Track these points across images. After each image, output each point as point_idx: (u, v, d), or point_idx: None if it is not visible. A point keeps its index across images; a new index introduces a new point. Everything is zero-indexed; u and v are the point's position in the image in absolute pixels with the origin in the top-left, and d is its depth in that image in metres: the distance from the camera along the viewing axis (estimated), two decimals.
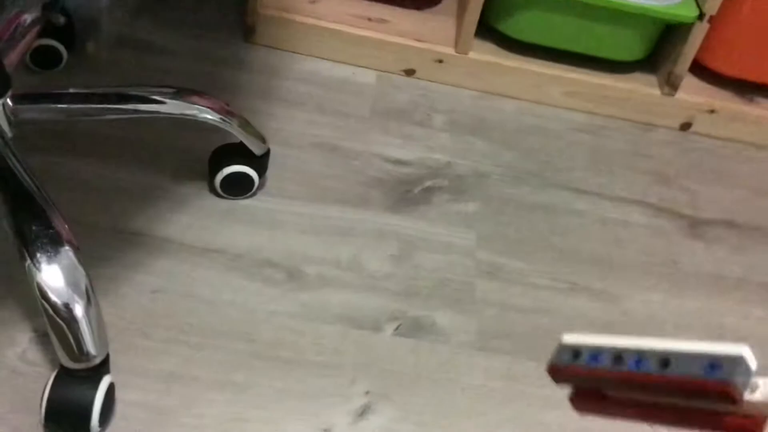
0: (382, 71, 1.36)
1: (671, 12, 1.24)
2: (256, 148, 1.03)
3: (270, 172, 1.10)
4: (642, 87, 1.35)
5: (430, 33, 1.35)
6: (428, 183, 1.17)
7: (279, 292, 0.96)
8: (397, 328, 0.96)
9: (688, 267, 1.13)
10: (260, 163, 1.05)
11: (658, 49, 1.36)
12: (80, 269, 0.75)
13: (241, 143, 1.01)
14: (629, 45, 1.32)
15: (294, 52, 1.34)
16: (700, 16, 1.24)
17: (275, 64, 1.32)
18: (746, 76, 1.34)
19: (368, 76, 1.34)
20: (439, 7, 1.42)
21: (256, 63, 1.31)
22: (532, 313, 1.02)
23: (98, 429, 0.76)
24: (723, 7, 1.24)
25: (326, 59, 1.35)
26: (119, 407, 0.80)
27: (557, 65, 1.35)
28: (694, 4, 1.26)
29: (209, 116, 0.97)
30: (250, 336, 0.91)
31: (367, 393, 0.88)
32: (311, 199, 1.09)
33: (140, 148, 1.09)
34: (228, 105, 1.01)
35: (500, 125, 1.31)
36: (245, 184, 1.04)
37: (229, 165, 1.02)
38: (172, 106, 0.95)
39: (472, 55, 1.34)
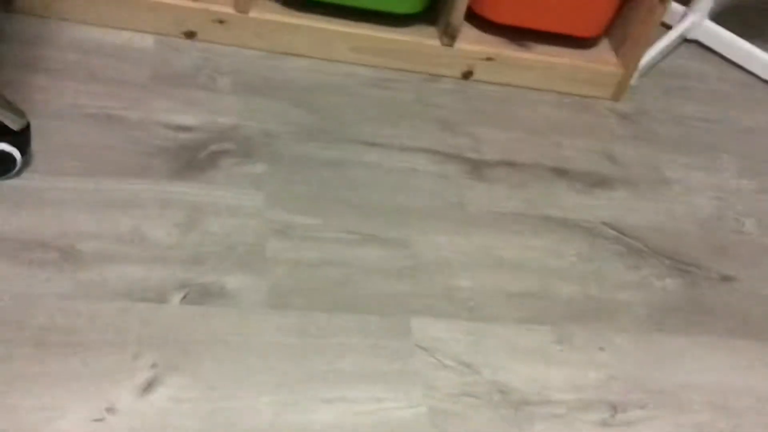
0: (160, 35, 1.30)
1: None
2: (14, 124, 0.95)
3: (38, 148, 1.03)
4: (424, 39, 1.39)
5: None
6: (214, 147, 1.15)
7: (51, 273, 0.91)
8: (184, 297, 0.93)
9: (472, 207, 1.19)
10: (21, 139, 0.97)
11: (436, 1, 1.40)
12: None
13: None
14: None
15: (62, 19, 1.25)
16: None
17: (40, 34, 1.22)
18: (518, 23, 1.42)
19: (146, 41, 1.28)
20: None
21: (16, 33, 1.21)
22: (324, 266, 1.03)
23: None
24: None
25: (98, 25, 1.27)
26: None
27: (342, 21, 1.36)
28: None
29: None
30: (20, 323, 0.85)
31: (153, 366, 0.85)
32: (86, 173, 1.04)
33: None
34: None
35: (287, 84, 1.30)
36: (6, 163, 0.96)
37: None
38: None
39: (253, 14, 1.31)
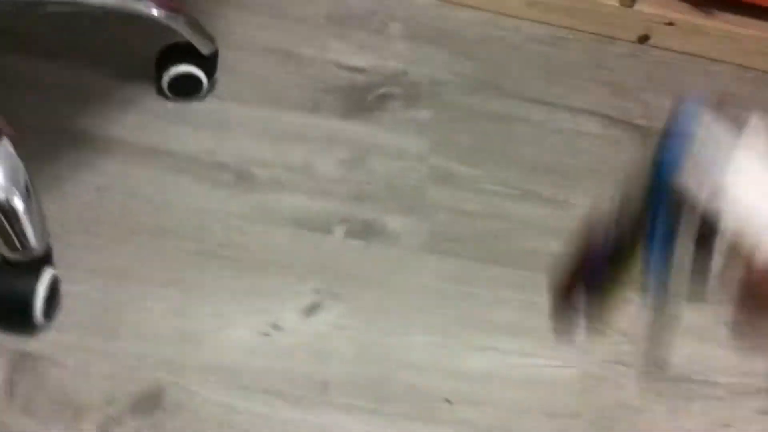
0: None
1: None
2: (205, 48, 1.00)
3: (220, 76, 1.07)
4: None
5: None
6: (382, 90, 1.16)
7: (229, 193, 0.95)
8: (347, 231, 0.96)
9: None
10: (209, 63, 1.02)
11: None
12: (18, 162, 0.73)
13: (189, 42, 0.99)
14: None
15: None
16: None
17: None
18: None
19: None
20: None
21: None
22: (483, 217, 1.02)
23: (43, 321, 0.75)
24: None
25: None
26: (66, 301, 0.79)
27: None
28: None
29: (155, 11, 0.94)
30: (198, 236, 0.90)
31: (316, 291, 0.88)
32: (262, 104, 1.08)
33: (85, 46, 1.05)
34: (174, 2, 0.98)
35: (458, 35, 1.29)
36: (193, 86, 1.01)
37: (177, 65, 0.99)
38: (117, 0, 0.92)
39: None
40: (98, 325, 0.79)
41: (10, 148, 0.74)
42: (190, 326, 0.82)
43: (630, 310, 0.94)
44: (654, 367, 0.89)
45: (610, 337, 0.92)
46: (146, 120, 1.00)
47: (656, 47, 1.37)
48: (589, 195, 1.08)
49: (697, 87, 1.31)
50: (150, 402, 0.76)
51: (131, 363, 0.78)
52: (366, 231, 0.96)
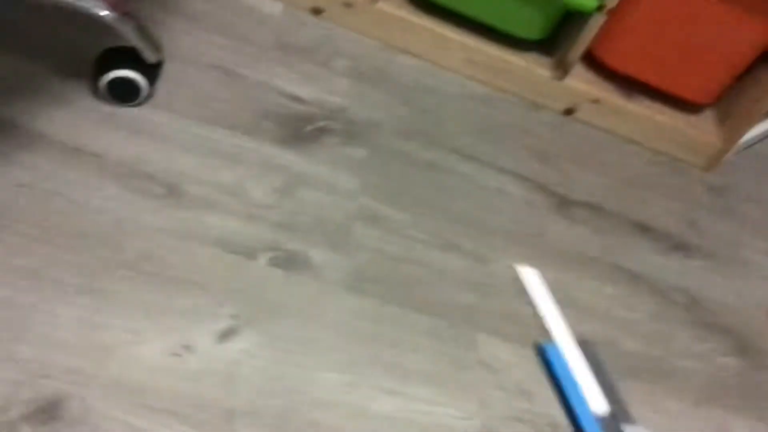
0: (289, 5, 1.33)
1: None
2: (150, 56, 0.99)
3: (161, 85, 1.06)
4: (536, 67, 1.40)
5: None
6: (321, 123, 1.17)
7: (156, 205, 0.93)
8: (271, 258, 0.96)
9: (552, 241, 1.20)
10: (151, 72, 1.01)
11: (557, 33, 1.42)
12: None
13: (134, 48, 0.97)
14: (531, 24, 1.37)
15: None
16: (600, 7, 1.30)
17: None
18: (631, 73, 1.43)
19: (275, 7, 1.31)
20: None
21: None
22: (404, 262, 1.05)
23: None
24: (621, 2, 1.30)
25: None
26: None
27: (462, 31, 1.38)
28: None
29: (104, 12, 0.92)
30: (118, 245, 0.88)
31: (233, 316, 0.88)
32: (201, 119, 1.07)
33: (26, 37, 1.02)
34: (126, 6, 0.96)
35: (399, 80, 1.33)
36: (132, 91, 1.00)
37: (117, 68, 0.97)
38: None
39: (380, 5, 1.34)
40: (3, 326, 0.76)
41: None
42: (99, 338, 0.80)
43: (529, 367, 0.98)
44: (547, 427, 0.93)
45: (511, 393, 0.95)
46: (78, 120, 0.97)
47: (580, 121, 1.44)
48: (505, 253, 1.13)
49: (612, 165, 1.40)
50: (48, 412, 0.73)
51: (33, 369, 0.75)
52: (289, 261, 0.97)
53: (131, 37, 0.96)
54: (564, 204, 1.27)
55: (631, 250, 1.24)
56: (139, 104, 1.03)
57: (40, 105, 0.95)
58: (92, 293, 0.82)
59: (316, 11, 1.34)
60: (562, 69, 1.39)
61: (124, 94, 1.00)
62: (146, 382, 0.79)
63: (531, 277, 0.42)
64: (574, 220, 1.25)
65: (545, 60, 1.43)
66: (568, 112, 1.44)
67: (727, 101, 1.49)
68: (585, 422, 0.37)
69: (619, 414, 0.37)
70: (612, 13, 1.32)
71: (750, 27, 1.33)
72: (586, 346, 0.47)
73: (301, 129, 1.14)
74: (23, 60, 0.99)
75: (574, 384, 0.38)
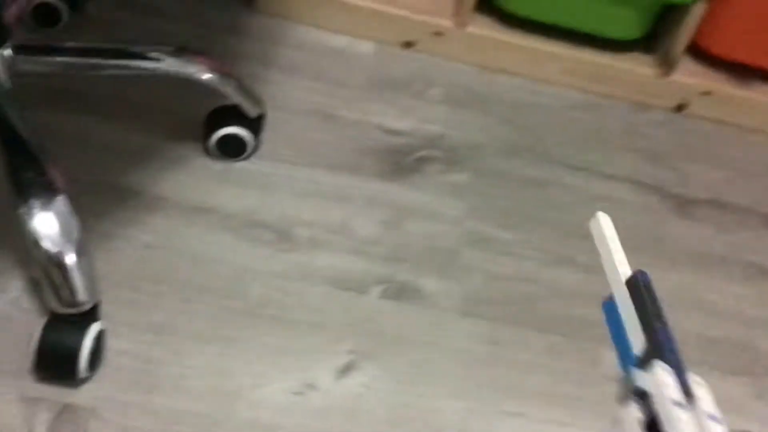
0: (380, 42, 1.37)
1: None
2: (252, 111, 1.04)
3: (265, 136, 1.11)
4: (638, 67, 1.36)
5: (429, 6, 1.36)
6: (421, 153, 1.19)
7: (269, 252, 0.98)
8: (383, 291, 0.98)
9: (673, 244, 1.14)
10: (255, 125, 1.06)
11: (656, 29, 1.37)
12: (73, 218, 0.77)
13: (237, 105, 1.03)
14: (627, 23, 1.33)
15: (294, 21, 1.35)
16: None
17: (275, 32, 1.33)
18: (742, 59, 1.35)
19: (366, 47, 1.35)
20: None
21: (256, 30, 1.32)
22: (517, 281, 1.04)
23: (86, 374, 0.78)
24: None
25: (325, 29, 1.36)
26: (109, 355, 0.82)
27: (555, 42, 1.36)
28: None
29: (206, 76, 0.99)
30: (239, 293, 0.93)
31: (351, 352, 0.90)
32: (305, 164, 1.11)
33: (137, 108, 1.11)
34: (225, 66, 1.03)
35: (496, 100, 1.32)
36: (239, 146, 1.05)
37: (224, 126, 1.03)
38: (171, 64, 0.97)
39: (470, 29, 1.34)
40: (138, 380, 0.82)
41: (65, 204, 0.77)
42: (226, 383, 0.84)
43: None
44: None
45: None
46: (193, 179, 1.04)
47: (693, 116, 1.38)
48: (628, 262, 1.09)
49: (733, 158, 1.32)
50: None
51: (168, 418, 0.80)
52: (401, 292, 0.98)
53: (233, 96, 1.02)
54: (683, 204, 1.21)
55: (761, 244, 1.17)
56: (247, 157, 1.08)
57: (156, 170, 1.03)
58: (218, 341, 0.87)
59: (408, 45, 1.37)
60: (667, 65, 1.34)
61: (233, 149, 1.06)
62: (273, 421, 0.82)
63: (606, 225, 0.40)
64: (696, 219, 1.19)
65: (648, 58, 1.38)
66: (680, 108, 1.38)
67: None
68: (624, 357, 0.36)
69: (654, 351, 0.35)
70: (712, 1, 1.26)
71: None
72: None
73: (401, 161, 1.16)
74: (137, 129, 1.07)
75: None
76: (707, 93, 1.36)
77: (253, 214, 1.02)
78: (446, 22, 1.34)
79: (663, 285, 1.09)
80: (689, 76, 1.36)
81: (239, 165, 1.08)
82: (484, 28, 1.35)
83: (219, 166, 1.06)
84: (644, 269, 1.11)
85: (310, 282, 0.96)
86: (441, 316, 0.97)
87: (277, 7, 1.34)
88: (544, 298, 1.02)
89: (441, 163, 1.18)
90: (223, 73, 1.01)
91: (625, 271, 0.38)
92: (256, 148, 1.09)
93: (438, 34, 1.35)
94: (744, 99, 1.36)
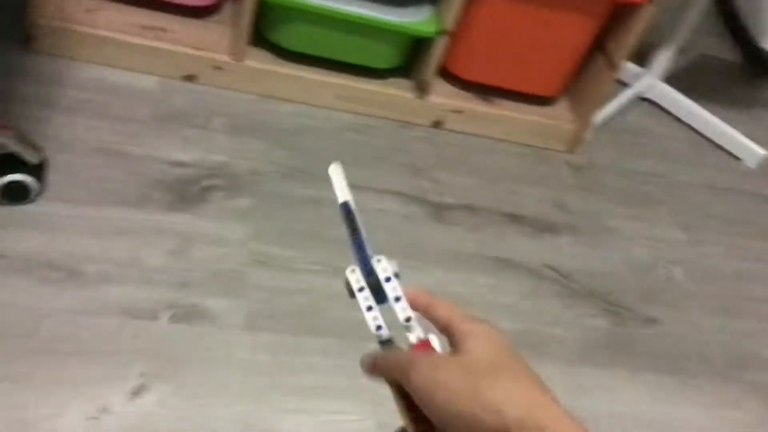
0: (163, 77, 1.45)
1: (416, 28, 1.44)
2: (32, 158, 1.10)
3: (51, 178, 1.17)
4: (399, 91, 1.55)
5: (208, 41, 1.47)
6: (206, 182, 1.30)
7: (58, 290, 1.05)
8: (172, 316, 1.08)
9: (431, 246, 1.34)
10: (37, 171, 1.12)
11: (411, 57, 1.57)
12: None
13: (16, 153, 1.09)
14: (385, 55, 1.51)
15: (75, 60, 1.41)
16: (441, 32, 1.45)
17: (56, 72, 1.37)
18: (484, 80, 1.58)
19: (150, 82, 1.44)
20: (216, 16, 1.54)
21: (36, 71, 1.36)
22: (296, 294, 1.18)
23: None
24: (460, 23, 1.46)
25: (107, 66, 1.42)
26: None
27: (326, 71, 1.51)
28: (436, 22, 1.47)
29: None
30: (29, 332, 0.99)
31: (142, 375, 1.00)
32: (91, 202, 1.18)
33: None
34: (3, 119, 1.08)
35: (275, 126, 1.46)
36: (23, 192, 1.11)
37: (5, 175, 1.09)
38: None
39: (248, 62, 1.47)
40: None
41: None
42: (24, 417, 0.91)
43: None
44: None
45: None
46: None
47: (448, 131, 1.60)
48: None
49: (482, 165, 1.55)
50: None
51: None
52: (189, 315, 1.09)
53: (13, 146, 1.08)
54: (439, 210, 1.41)
55: (504, 240, 1.40)
56: (33, 200, 1.14)
57: None
58: (13, 379, 0.94)
59: (189, 78, 1.47)
60: (423, 89, 1.54)
61: (17, 195, 1.11)
62: None
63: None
64: (450, 222, 1.40)
65: (407, 83, 1.57)
66: (437, 125, 1.59)
67: (575, 89, 1.66)
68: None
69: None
70: (454, 33, 1.47)
71: (577, 26, 1.50)
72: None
73: (187, 191, 1.27)
74: None
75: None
76: (458, 111, 1.58)
77: (42, 255, 1.08)
78: (225, 57, 1.46)
79: (421, 282, 1.27)
80: (442, 97, 1.57)
81: (26, 208, 1.13)
82: (260, 61, 1.48)
83: (4, 211, 1.11)
84: (406, 270, 1.29)
85: (102, 314, 1.05)
86: (226, 334, 1.09)
87: (56, 47, 1.39)
88: (320, 307, 1.17)
89: (224, 190, 1.30)
90: (1, 126, 1.06)
91: (345, 197, 0.60)
92: (41, 191, 1.15)
93: (218, 68, 1.46)
94: (489, 114, 1.59)
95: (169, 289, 1.11)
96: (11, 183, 1.09)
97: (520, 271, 1.35)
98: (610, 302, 1.35)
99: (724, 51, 2.17)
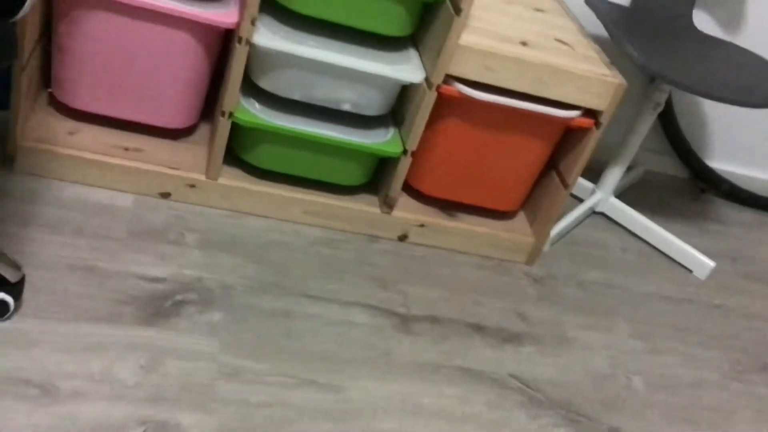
0: (139, 194, 1.51)
1: (380, 148, 1.54)
2: (11, 276, 1.14)
3: (26, 295, 1.20)
4: (366, 206, 1.62)
5: (183, 161, 1.54)
6: (179, 297, 1.33)
7: (32, 407, 1.06)
8: None
9: (398, 357, 1.38)
10: (15, 288, 1.15)
11: (377, 175, 1.65)
12: None
13: None
14: (352, 173, 1.60)
15: (54, 179, 1.46)
16: (404, 152, 1.55)
17: (35, 191, 1.42)
18: (446, 196, 1.67)
19: (126, 200, 1.49)
20: (192, 137, 1.62)
21: (15, 190, 1.41)
22: (266, 407, 1.20)
23: None
24: (421, 144, 1.56)
25: (86, 185, 1.48)
26: None
27: (296, 188, 1.59)
28: (399, 142, 1.56)
29: None
30: None
31: None
32: (66, 319, 1.21)
33: None
34: None
35: (247, 241, 1.51)
36: (1, 310, 1.13)
37: None
38: None
39: (221, 180, 1.54)
40: None
41: None
42: None
43: None
44: None
45: None
46: None
47: (413, 244, 1.67)
48: (356, 378, 1.30)
49: (446, 277, 1.61)
50: None
51: None
52: (161, 430, 1.10)
53: None
54: (405, 322, 1.46)
55: (467, 350, 1.44)
56: (9, 317, 1.16)
57: None
58: None
59: (164, 195, 1.53)
60: (388, 204, 1.62)
61: None
62: None
63: None
64: (416, 333, 1.44)
65: (373, 198, 1.65)
66: (402, 238, 1.66)
67: (532, 204, 1.75)
68: None
69: None
70: (416, 153, 1.56)
71: (532, 148, 1.61)
72: None
73: (160, 306, 1.30)
74: None
75: None
76: (422, 225, 1.65)
77: (16, 372, 1.10)
78: (199, 176, 1.52)
79: (389, 394, 1.30)
80: (407, 211, 1.65)
81: (1, 326, 1.15)
82: (233, 179, 1.55)
83: None
84: (374, 382, 1.32)
85: None
86: None
87: (36, 166, 1.45)
88: (290, 420, 1.19)
89: (197, 304, 1.33)
90: None
91: None
92: (17, 308, 1.17)
93: (192, 185, 1.52)
94: (451, 228, 1.67)
95: (141, 405, 1.13)
96: None
97: (486, 381, 1.38)
98: (572, 411, 1.38)
99: (670, 167, 2.32)
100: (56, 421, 1.06)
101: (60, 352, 1.15)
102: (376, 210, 1.63)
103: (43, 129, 1.48)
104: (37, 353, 1.14)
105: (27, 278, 1.23)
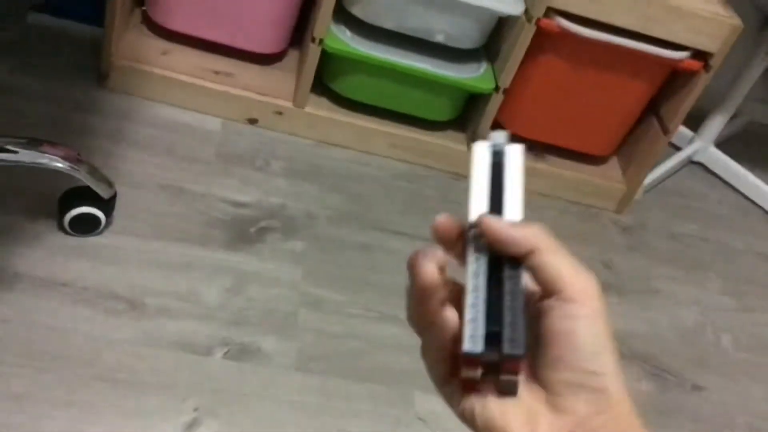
0: (227, 119, 1.51)
1: (472, 84, 1.48)
2: (104, 192, 1.15)
3: (118, 211, 1.22)
4: (452, 143, 1.58)
5: (272, 87, 1.52)
6: (263, 223, 1.34)
7: (121, 321, 1.09)
8: (226, 353, 1.11)
9: None
10: (107, 204, 1.17)
11: (465, 112, 1.60)
12: None
13: (89, 186, 1.14)
14: (441, 108, 1.55)
15: (145, 99, 1.47)
16: (496, 88, 1.49)
17: (127, 109, 1.44)
18: (536, 137, 1.61)
19: (214, 124, 1.49)
20: (281, 63, 1.60)
21: (108, 108, 1.43)
22: (345, 338, 1.20)
23: None
24: (515, 81, 1.49)
25: (176, 106, 1.48)
26: None
27: (382, 121, 1.56)
28: (492, 78, 1.50)
29: (59, 164, 1.09)
30: (91, 361, 1.03)
31: (195, 409, 1.02)
32: (155, 237, 1.23)
33: None
34: (78, 154, 1.13)
35: (331, 172, 1.50)
36: (93, 224, 1.16)
37: (78, 207, 1.14)
38: (25, 156, 1.06)
39: (308, 109, 1.52)
40: None
41: None
42: None
43: None
44: None
45: None
46: (48, 255, 1.13)
47: None
48: None
49: (529, 219, 1.56)
50: None
51: None
52: (242, 353, 1.12)
53: (85, 180, 1.13)
54: None
55: None
56: (101, 233, 1.19)
57: (14, 248, 1.11)
58: (72, 407, 0.97)
59: (252, 121, 1.52)
60: (476, 142, 1.57)
61: (86, 227, 1.16)
62: None
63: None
64: None
65: (460, 135, 1.61)
66: None
67: (627, 150, 1.67)
68: None
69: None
70: (509, 90, 1.50)
71: (632, 90, 1.52)
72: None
73: (245, 231, 1.31)
74: None
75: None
76: None
77: (106, 286, 1.13)
78: (287, 103, 1.51)
79: None
80: None
81: (93, 240, 1.18)
82: (320, 108, 1.53)
83: (73, 241, 1.16)
84: None
85: (159, 347, 1.08)
86: (277, 373, 1.11)
87: (129, 85, 1.46)
88: (368, 353, 1.19)
89: (280, 232, 1.33)
90: (75, 160, 1.12)
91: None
92: (108, 224, 1.19)
93: (279, 113, 1.51)
94: (539, 170, 1.61)
95: (224, 326, 1.14)
96: (82, 215, 1.14)
97: None
98: (655, 365, 1.34)
99: None
100: (142, 336, 1.08)
101: (148, 270, 1.18)
102: (463, 147, 1.58)
103: (136, 48, 1.48)
104: (126, 269, 1.16)
105: (120, 196, 1.25)
